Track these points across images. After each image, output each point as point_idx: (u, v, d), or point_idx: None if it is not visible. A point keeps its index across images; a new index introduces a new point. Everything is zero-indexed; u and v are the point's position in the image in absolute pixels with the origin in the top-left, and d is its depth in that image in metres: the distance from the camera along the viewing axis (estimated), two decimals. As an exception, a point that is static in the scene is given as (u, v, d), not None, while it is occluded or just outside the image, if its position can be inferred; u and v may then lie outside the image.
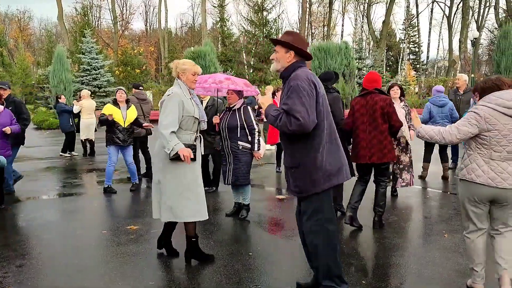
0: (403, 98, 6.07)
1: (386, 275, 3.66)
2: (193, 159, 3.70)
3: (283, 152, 3.54)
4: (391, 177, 5.95)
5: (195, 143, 3.80)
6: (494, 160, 3.05)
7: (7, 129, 5.84)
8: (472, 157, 3.15)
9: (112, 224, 5.20)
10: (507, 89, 3.07)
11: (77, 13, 40.37)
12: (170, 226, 4.07)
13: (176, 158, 3.60)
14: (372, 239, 4.60)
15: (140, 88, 8.31)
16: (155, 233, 4.77)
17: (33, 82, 32.85)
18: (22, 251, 4.29)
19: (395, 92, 5.98)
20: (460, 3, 42.09)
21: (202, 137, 3.98)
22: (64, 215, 5.72)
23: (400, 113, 5.72)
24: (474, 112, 3.09)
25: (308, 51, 3.22)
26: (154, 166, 3.88)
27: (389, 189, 5.92)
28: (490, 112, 3.03)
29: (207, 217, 3.90)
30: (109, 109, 6.65)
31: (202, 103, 6.59)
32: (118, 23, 45.18)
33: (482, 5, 44.82)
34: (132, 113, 6.82)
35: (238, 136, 5.20)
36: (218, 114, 5.83)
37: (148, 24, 58.33)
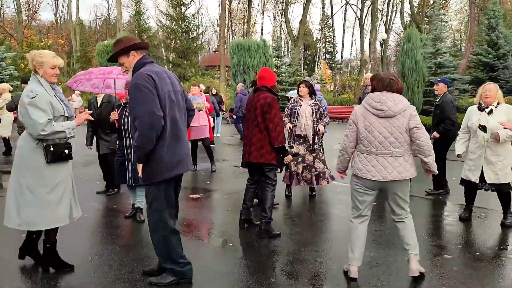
0: (314, 96, 5.95)
1: (295, 272, 3.68)
2: (69, 158, 3.55)
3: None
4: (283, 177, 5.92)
5: (69, 141, 3.57)
6: (362, 154, 3.39)
7: None
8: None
9: None
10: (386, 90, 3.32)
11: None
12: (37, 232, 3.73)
13: (55, 159, 3.43)
14: (282, 235, 4.61)
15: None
16: None
17: None
18: None
19: (301, 90, 5.88)
20: (370, 6, 44.63)
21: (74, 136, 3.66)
22: None
23: (306, 110, 5.78)
24: (352, 113, 3.46)
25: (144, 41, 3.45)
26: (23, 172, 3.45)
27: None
28: (361, 110, 3.38)
29: (68, 222, 3.62)
30: None
31: (97, 99, 6.21)
32: (24, 12, 41.70)
33: (389, 8, 48.00)
34: None
35: None
36: (115, 110, 5.34)
37: (58, 15, 54.61)
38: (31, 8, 47.55)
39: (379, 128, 3.29)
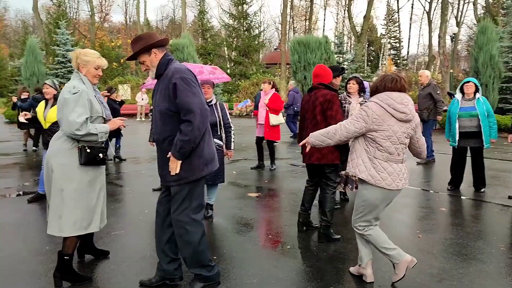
0: (363, 94, 5.55)
1: (357, 281, 3.46)
2: (102, 163, 3.36)
3: (162, 143, 3.14)
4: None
5: (104, 145, 3.39)
6: (376, 159, 3.10)
7: None
8: (358, 152, 3.20)
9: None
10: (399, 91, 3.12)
11: (52, 3, 39.27)
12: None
13: (88, 162, 3.25)
14: (342, 239, 4.40)
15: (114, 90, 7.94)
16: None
17: (8, 75, 31.83)
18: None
19: (351, 87, 5.47)
20: (440, -2, 42.32)
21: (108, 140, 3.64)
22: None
23: (356, 109, 5.35)
24: (364, 110, 3.11)
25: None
26: (55, 173, 3.25)
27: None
28: (379, 111, 3.06)
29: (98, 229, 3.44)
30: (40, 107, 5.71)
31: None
32: (96, 14, 44.17)
33: (461, 1, 45.27)
34: (53, 113, 5.54)
35: (218, 133, 5.01)
36: None
37: (127, 16, 57.27)
38: (103, 11, 50.30)
39: (397, 133, 3.08)
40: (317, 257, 3.95)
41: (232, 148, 5.20)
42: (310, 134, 3.38)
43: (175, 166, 2.98)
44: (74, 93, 3.18)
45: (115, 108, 9.03)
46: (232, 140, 5.16)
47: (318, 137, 3.31)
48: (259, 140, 8.31)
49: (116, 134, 9.00)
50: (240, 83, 28.70)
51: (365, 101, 5.46)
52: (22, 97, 11.12)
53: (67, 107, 3.15)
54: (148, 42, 3.05)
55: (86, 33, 44.19)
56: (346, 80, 5.73)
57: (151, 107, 20.79)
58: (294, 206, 5.59)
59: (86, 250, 3.88)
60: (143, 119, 21.51)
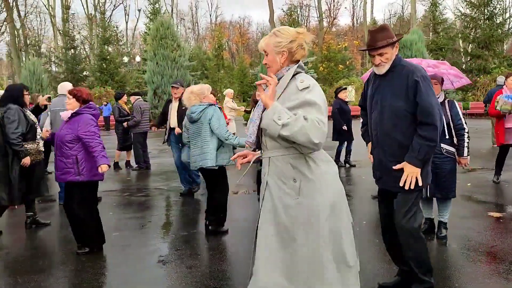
0: None
1: None
2: None
3: (387, 144, 2.92)
4: None
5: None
6: None
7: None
8: None
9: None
10: None
11: (284, 14, 42.79)
12: None
13: None
14: None
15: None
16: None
17: (248, 81, 36.34)
18: None
19: None
20: None
21: None
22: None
23: None
24: None
25: None
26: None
27: None
28: None
29: None
30: None
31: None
32: (325, 19, 46.14)
33: None
34: None
35: (447, 137, 4.23)
36: None
37: (354, 18, 57.94)
38: (331, 15, 52.24)
39: None
40: None
41: (466, 154, 4.29)
42: None
43: (413, 177, 2.78)
44: (306, 87, 2.25)
45: (345, 109, 8.86)
46: (466, 145, 4.26)
47: None
48: (506, 148, 6.76)
49: (347, 137, 8.82)
50: (478, 79, 25.29)
51: None
52: None
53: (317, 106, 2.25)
54: (394, 36, 2.86)
55: (314, 39, 46.79)
56: None
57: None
58: (557, 236, 4.30)
59: None
60: (366, 120, 21.18)
